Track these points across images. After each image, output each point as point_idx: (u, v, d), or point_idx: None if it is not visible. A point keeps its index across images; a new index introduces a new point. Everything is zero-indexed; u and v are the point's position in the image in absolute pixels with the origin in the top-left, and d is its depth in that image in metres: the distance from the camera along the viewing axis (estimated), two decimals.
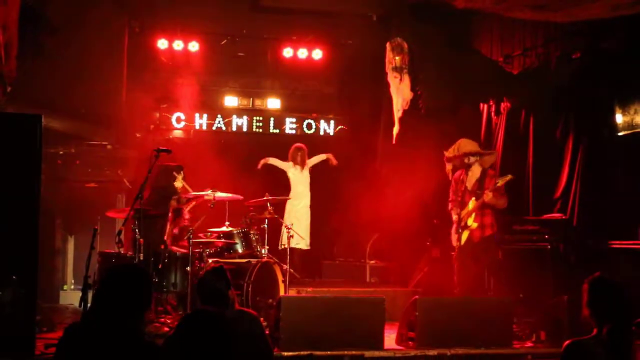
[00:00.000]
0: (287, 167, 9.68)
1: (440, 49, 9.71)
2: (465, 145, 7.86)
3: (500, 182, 7.47)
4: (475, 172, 7.77)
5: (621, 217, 7.74)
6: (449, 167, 8.14)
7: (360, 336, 6.40)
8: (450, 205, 7.86)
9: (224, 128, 11.19)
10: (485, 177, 7.68)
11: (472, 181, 7.76)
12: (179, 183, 7.93)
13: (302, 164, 9.63)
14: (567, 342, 3.67)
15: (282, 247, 9.01)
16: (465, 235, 7.60)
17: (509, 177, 7.54)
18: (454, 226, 7.76)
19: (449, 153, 7.95)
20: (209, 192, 7.78)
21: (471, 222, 7.56)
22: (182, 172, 7.98)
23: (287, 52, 11.03)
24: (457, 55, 9.67)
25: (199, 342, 3.51)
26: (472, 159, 7.77)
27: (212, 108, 11.20)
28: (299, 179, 9.62)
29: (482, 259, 7.73)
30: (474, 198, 7.59)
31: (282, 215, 9.09)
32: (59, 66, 8.80)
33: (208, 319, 3.60)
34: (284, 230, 8.87)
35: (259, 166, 9.62)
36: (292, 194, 9.53)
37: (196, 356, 3.52)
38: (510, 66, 9.53)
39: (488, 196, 7.46)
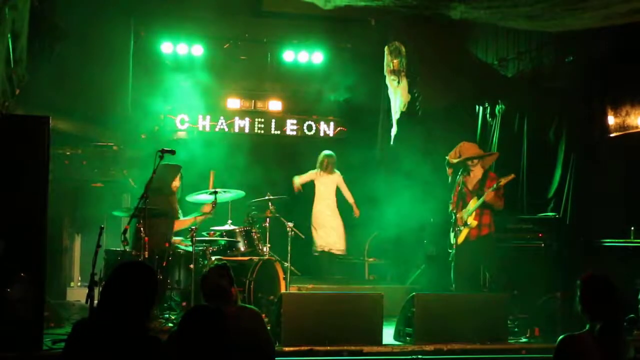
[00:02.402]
0: (315, 175, 9.69)
1: (437, 53, 9.71)
2: (467, 150, 7.85)
3: (504, 181, 7.48)
4: (477, 173, 7.78)
5: (613, 216, 7.75)
6: (450, 170, 8.12)
7: (359, 332, 6.40)
8: (451, 207, 7.87)
9: (226, 129, 11.17)
10: (486, 178, 7.69)
11: (473, 182, 7.77)
12: (176, 182, 7.91)
13: (331, 171, 9.67)
14: (561, 337, 3.68)
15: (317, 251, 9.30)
16: (463, 234, 7.60)
17: (511, 176, 7.57)
18: (453, 225, 7.76)
19: (452, 159, 7.94)
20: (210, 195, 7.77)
21: (471, 220, 7.56)
22: (180, 172, 7.94)
23: (288, 56, 11.02)
24: (454, 58, 9.68)
25: (199, 337, 3.51)
26: (475, 161, 7.78)
27: (215, 110, 11.18)
28: (327, 186, 9.67)
29: (479, 257, 7.74)
30: (475, 197, 7.60)
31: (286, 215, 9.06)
32: (66, 69, 8.79)
33: (208, 315, 3.60)
34: (314, 234, 9.26)
35: (296, 189, 9.62)
36: (317, 199, 9.62)
37: (198, 351, 3.52)
38: (504, 69, 9.55)
39: (489, 195, 7.47)
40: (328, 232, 9.56)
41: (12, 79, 6.70)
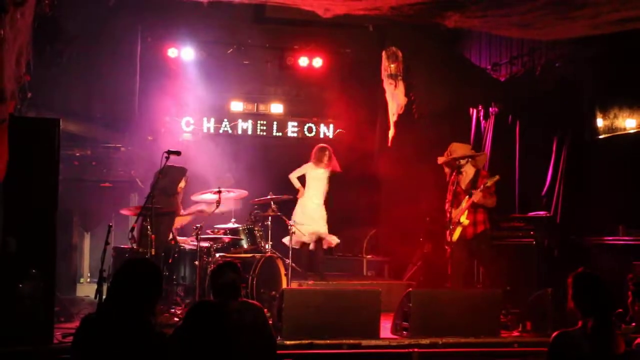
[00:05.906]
0: (307, 168, 9.10)
1: (433, 57, 9.71)
2: (456, 149, 7.83)
3: (489, 182, 7.46)
4: (469, 172, 7.75)
5: (602, 214, 7.74)
6: (447, 169, 8.11)
7: (358, 326, 6.38)
8: (447, 205, 7.85)
9: (230, 131, 11.18)
10: (478, 177, 7.66)
11: (465, 181, 7.74)
12: (182, 184, 7.89)
13: (327, 165, 9.05)
14: (555, 333, 3.66)
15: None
16: (458, 231, 7.56)
17: (496, 177, 7.54)
18: (448, 223, 7.73)
19: (441, 159, 7.93)
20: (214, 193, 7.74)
21: (464, 219, 7.53)
22: (185, 174, 7.91)
23: (289, 60, 11.01)
24: (448, 63, 9.69)
25: (203, 331, 3.50)
26: (463, 161, 7.75)
27: (219, 113, 11.18)
28: (318, 179, 9.10)
29: (475, 254, 7.72)
30: (467, 196, 7.58)
31: (287, 214, 9.00)
32: (76, 73, 8.78)
33: (212, 310, 3.59)
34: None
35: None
36: (306, 193, 9.08)
37: (202, 344, 3.52)
38: (497, 73, 9.54)
39: (477, 196, 7.45)
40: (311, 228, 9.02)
41: (20, 82, 6.67)
